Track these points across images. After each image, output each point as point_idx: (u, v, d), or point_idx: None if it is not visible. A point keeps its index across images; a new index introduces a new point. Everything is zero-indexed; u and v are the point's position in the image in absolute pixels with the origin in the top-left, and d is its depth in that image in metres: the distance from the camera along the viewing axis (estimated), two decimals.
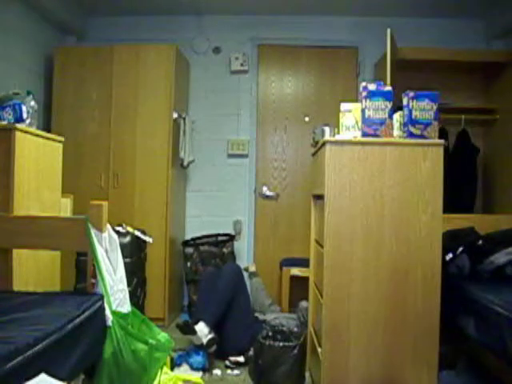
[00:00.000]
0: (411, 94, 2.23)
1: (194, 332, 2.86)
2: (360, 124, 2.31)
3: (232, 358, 2.99)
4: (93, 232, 1.98)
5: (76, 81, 3.96)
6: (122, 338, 1.89)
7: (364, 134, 2.27)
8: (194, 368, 2.86)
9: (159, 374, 2.12)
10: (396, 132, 2.33)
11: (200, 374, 2.82)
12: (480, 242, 2.55)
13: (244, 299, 3.21)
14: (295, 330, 2.85)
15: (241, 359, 2.99)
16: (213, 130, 4.44)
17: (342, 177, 2.23)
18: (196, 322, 2.93)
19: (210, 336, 2.88)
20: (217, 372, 2.90)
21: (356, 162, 2.23)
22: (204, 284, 3.31)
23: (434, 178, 2.20)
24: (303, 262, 3.42)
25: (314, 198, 2.89)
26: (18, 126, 2.35)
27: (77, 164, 3.87)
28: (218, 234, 4.23)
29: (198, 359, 2.89)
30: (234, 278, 3.17)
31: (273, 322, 3.17)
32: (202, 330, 2.88)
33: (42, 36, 4.00)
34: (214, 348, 2.91)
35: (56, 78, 3.97)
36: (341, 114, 2.42)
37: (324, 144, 2.29)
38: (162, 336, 2.11)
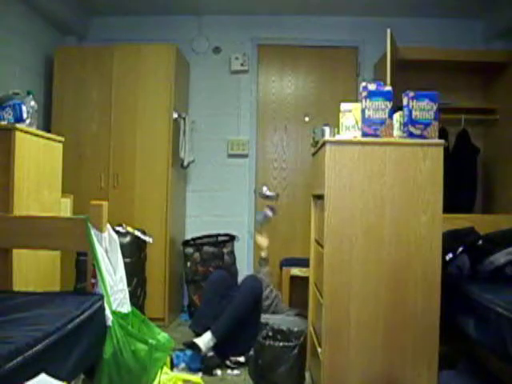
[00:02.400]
0: (411, 94, 2.23)
1: (199, 350, 2.85)
2: (360, 124, 2.31)
3: (232, 358, 2.99)
4: (93, 232, 1.98)
5: (76, 81, 3.97)
6: (122, 338, 1.88)
7: (364, 134, 2.27)
8: (193, 368, 2.86)
9: (159, 373, 2.12)
10: (396, 132, 2.33)
11: (200, 374, 2.81)
12: (480, 242, 2.54)
13: (256, 315, 3.10)
14: (295, 329, 2.85)
15: (241, 359, 2.99)
16: (213, 130, 4.44)
17: (342, 177, 2.23)
18: (204, 330, 2.93)
19: (211, 353, 2.88)
20: (217, 372, 2.89)
21: (356, 162, 2.22)
22: (215, 287, 3.23)
23: (434, 178, 2.20)
24: (303, 262, 3.41)
25: (314, 198, 2.89)
26: (18, 126, 2.35)
27: (77, 164, 3.87)
28: (218, 234, 4.23)
29: (197, 359, 2.88)
30: (254, 297, 3.08)
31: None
32: (209, 342, 2.88)
33: (42, 36, 4.00)
34: (212, 365, 2.89)
35: (56, 78, 3.97)
36: (341, 114, 2.42)
37: (324, 144, 2.29)
38: (162, 336, 2.10)
